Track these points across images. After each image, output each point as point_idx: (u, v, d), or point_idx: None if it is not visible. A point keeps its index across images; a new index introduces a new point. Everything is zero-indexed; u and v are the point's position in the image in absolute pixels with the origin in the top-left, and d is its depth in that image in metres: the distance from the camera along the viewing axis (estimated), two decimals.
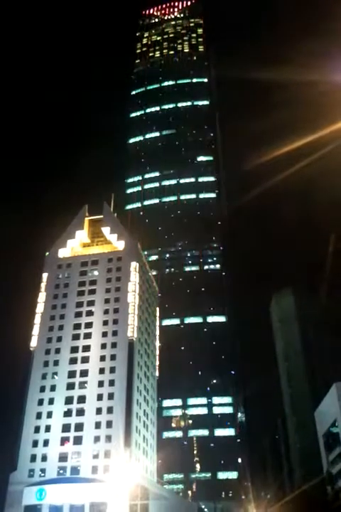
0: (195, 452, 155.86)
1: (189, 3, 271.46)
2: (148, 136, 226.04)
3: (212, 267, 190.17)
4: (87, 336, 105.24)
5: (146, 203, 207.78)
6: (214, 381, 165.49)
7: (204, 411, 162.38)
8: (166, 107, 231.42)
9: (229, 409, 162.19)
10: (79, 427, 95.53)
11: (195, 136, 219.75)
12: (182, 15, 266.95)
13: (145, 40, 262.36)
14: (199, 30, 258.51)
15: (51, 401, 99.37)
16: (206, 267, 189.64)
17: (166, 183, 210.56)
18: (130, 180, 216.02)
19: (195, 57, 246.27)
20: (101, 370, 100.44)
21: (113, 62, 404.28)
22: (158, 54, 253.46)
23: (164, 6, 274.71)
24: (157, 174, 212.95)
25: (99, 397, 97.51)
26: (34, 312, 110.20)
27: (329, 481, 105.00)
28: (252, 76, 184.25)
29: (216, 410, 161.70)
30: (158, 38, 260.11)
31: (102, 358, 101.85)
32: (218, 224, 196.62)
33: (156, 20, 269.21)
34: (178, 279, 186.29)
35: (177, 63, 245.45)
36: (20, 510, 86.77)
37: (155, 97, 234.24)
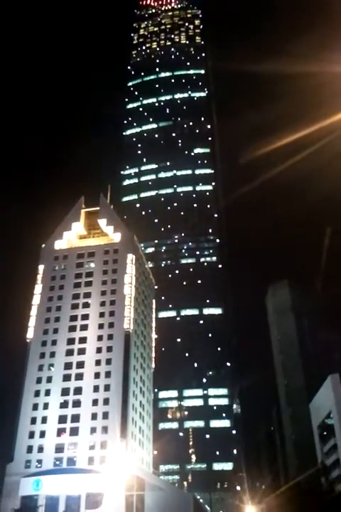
0: (191, 443, 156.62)
1: None
2: (144, 127, 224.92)
3: (208, 259, 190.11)
4: (84, 327, 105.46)
5: (143, 194, 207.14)
6: (210, 373, 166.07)
7: (200, 402, 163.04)
8: (163, 98, 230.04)
9: (224, 401, 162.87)
10: (75, 418, 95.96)
11: (192, 128, 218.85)
12: (179, 6, 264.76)
13: (142, 31, 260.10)
14: (197, 22, 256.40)
15: (47, 392, 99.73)
16: (202, 260, 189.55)
17: (163, 175, 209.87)
18: (126, 172, 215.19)
19: (192, 49, 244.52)
20: (98, 362, 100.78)
21: (109, 53, 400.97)
22: (154, 45, 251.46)
23: None
24: (154, 166, 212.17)
25: (96, 389, 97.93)
26: (30, 304, 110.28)
27: (324, 472, 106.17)
28: (250, 68, 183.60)
29: (211, 402, 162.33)
30: (155, 29, 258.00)
31: (98, 350, 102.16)
32: (215, 216, 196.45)
33: (153, 10, 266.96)
34: (175, 271, 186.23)
35: (174, 54, 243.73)
36: (17, 501, 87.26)
37: (152, 89, 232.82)
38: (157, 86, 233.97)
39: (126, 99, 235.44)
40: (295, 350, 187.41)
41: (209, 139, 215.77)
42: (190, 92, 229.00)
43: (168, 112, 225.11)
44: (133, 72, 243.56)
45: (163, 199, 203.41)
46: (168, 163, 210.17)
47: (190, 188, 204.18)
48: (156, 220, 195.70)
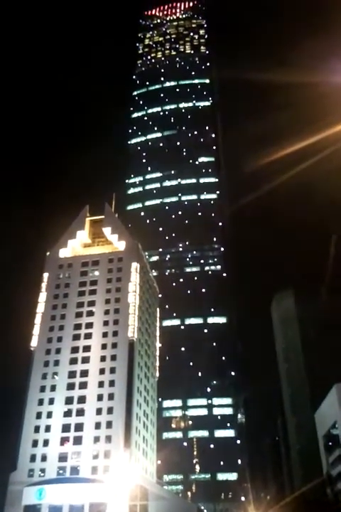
0: (195, 453, 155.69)
1: (191, 4, 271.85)
2: (149, 136, 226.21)
3: (212, 267, 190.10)
4: (88, 336, 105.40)
5: (147, 203, 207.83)
6: (215, 382, 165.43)
7: (204, 412, 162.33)
8: (168, 107, 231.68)
9: (229, 411, 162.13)
10: (79, 427, 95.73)
11: (197, 137, 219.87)
12: (184, 16, 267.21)
13: (147, 41, 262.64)
14: (202, 31, 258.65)
15: (51, 401, 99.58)
16: (207, 268, 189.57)
17: (167, 183, 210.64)
18: (131, 180, 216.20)
19: (196, 58, 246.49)
20: (102, 371, 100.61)
21: (115, 63, 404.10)
22: (160, 54, 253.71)
23: (166, 6, 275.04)
24: (158, 175, 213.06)
25: (99, 398, 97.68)
26: (35, 312, 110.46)
27: (329, 482, 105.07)
28: (254, 77, 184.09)
29: (216, 411, 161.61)
30: (160, 39, 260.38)
31: (103, 359, 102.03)
32: (219, 225, 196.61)
33: (158, 20, 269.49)
34: (179, 280, 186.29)
35: (179, 64, 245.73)
36: (20, 510, 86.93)
37: (157, 98, 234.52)
38: (162, 95, 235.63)
39: (131, 108, 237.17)
40: (300, 359, 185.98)
41: (214, 147, 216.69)
42: (194, 102, 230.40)
43: (172, 121, 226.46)
44: (138, 82, 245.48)
45: (167, 208, 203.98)
46: (173, 172, 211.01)
47: (194, 197, 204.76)
48: (161, 229, 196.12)
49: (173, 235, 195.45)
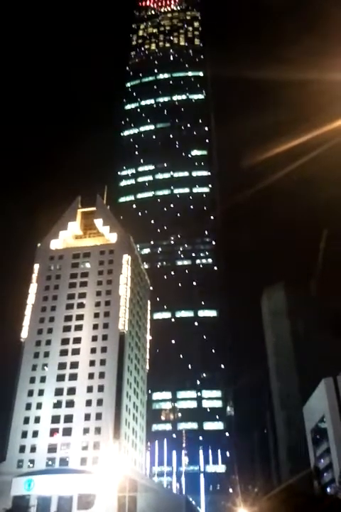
0: (184, 445, 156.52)
1: None
2: (142, 128, 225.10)
3: (204, 261, 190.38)
4: (78, 328, 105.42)
5: (140, 196, 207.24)
6: (204, 375, 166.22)
7: (193, 404, 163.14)
8: (161, 100, 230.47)
9: (218, 403, 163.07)
10: (68, 418, 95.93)
11: (190, 130, 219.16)
12: (178, 7, 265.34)
13: (141, 32, 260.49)
14: (196, 24, 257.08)
15: (41, 392, 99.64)
16: (198, 261, 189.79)
17: (160, 176, 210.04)
18: (124, 172, 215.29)
19: (190, 51, 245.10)
20: (92, 363, 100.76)
21: (108, 54, 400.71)
22: (153, 46, 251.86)
23: None
24: (151, 167, 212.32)
25: (89, 389, 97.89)
26: (25, 303, 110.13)
27: (316, 475, 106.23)
28: (248, 72, 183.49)
29: (205, 404, 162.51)
30: (154, 31, 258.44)
31: (93, 351, 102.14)
32: (211, 218, 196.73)
33: (152, 12, 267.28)
34: (170, 273, 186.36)
35: (172, 56, 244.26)
36: (9, 501, 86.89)
37: (151, 90, 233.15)
38: (155, 87, 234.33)
39: (125, 100, 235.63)
40: (289, 353, 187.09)
41: (207, 141, 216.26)
42: (188, 94, 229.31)
43: (165, 113, 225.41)
44: (131, 73, 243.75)
45: (159, 200, 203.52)
46: (165, 165, 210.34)
47: (186, 190, 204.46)
48: (152, 221, 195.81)
49: (165, 227, 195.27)
